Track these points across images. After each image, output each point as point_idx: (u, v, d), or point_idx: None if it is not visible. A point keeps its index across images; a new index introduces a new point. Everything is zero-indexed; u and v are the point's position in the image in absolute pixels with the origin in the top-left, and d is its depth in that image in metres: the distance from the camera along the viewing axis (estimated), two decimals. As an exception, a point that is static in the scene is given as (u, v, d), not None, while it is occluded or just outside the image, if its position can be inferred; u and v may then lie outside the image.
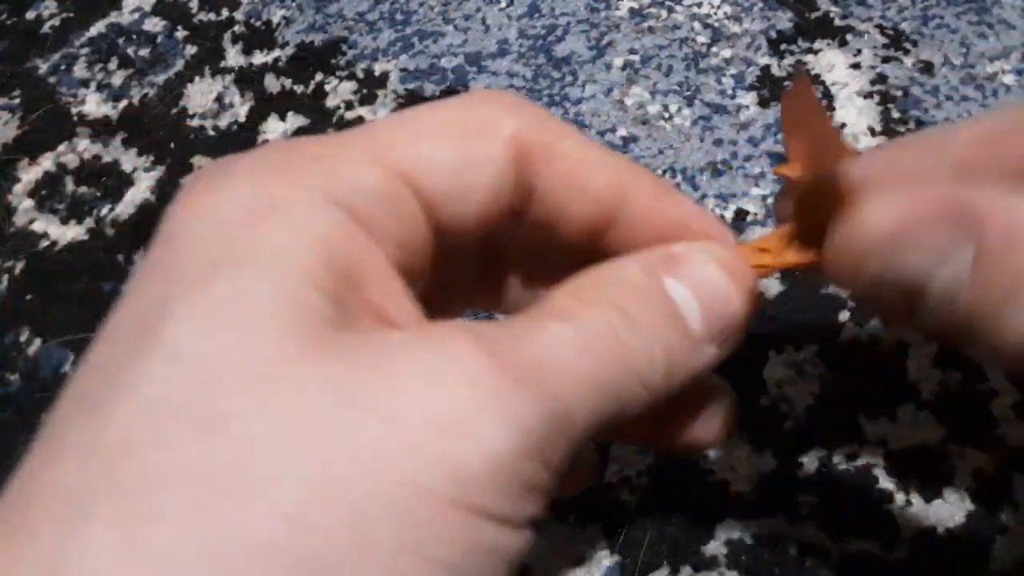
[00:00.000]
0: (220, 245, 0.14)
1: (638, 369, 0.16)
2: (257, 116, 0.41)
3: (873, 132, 0.36)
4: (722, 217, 0.35)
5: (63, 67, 0.44)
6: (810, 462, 0.29)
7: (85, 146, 0.41)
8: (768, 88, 0.38)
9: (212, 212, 0.15)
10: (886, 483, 0.28)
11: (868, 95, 0.37)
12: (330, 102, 0.41)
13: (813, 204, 0.18)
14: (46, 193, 0.40)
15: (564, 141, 0.18)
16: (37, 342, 0.36)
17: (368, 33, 0.43)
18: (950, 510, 0.28)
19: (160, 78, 0.43)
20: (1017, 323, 0.15)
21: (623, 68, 0.40)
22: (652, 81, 0.39)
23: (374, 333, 0.15)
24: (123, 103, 0.42)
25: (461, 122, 0.17)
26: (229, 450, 0.12)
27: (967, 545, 0.27)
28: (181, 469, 0.12)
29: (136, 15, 0.46)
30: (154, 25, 0.45)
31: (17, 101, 0.43)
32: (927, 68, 0.37)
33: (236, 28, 0.44)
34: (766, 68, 0.39)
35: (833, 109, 0.37)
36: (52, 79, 0.44)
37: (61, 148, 0.41)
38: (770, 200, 0.35)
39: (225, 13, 0.45)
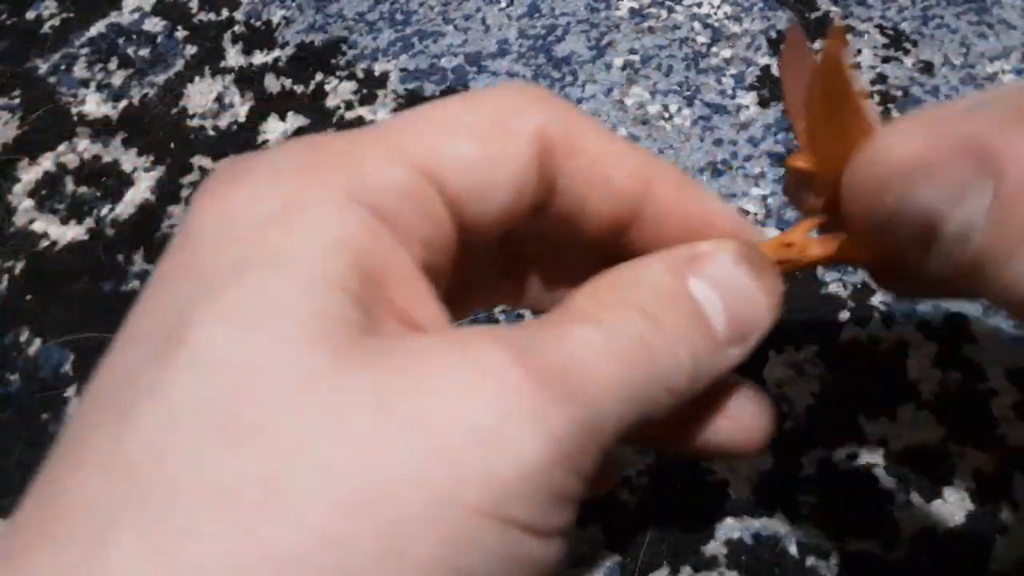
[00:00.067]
0: (244, 246, 0.14)
1: (664, 373, 0.16)
2: (257, 116, 0.41)
3: (873, 132, 0.36)
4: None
5: (63, 67, 0.44)
6: (810, 462, 0.29)
7: (85, 146, 0.41)
8: (768, 88, 0.38)
9: (235, 211, 0.15)
10: (886, 483, 0.28)
11: (868, 95, 0.37)
12: (330, 102, 0.41)
13: (835, 198, 0.17)
14: (46, 193, 0.40)
15: (588, 135, 0.17)
16: (37, 342, 0.36)
17: (368, 33, 0.43)
18: (950, 510, 0.28)
19: (160, 78, 0.43)
20: None
21: (623, 68, 0.40)
22: (652, 81, 0.39)
23: (402, 338, 0.14)
24: (123, 103, 0.42)
25: (485, 116, 0.17)
26: (259, 462, 0.12)
27: (967, 545, 0.27)
28: (210, 481, 0.12)
29: (136, 15, 0.46)
30: (154, 25, 0.45)
31: (17, 101, 0.43)
32: (927, 68, 0.37)
33: (236, 28, 0.44)
34: (766, 68, 0.39)
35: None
36: (52, 79, 0.44)
37: (61, 148, 0.41)
38: (770, 200, 0.35)
39: (225, 13, 0.45)
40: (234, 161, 0.16)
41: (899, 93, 0.37)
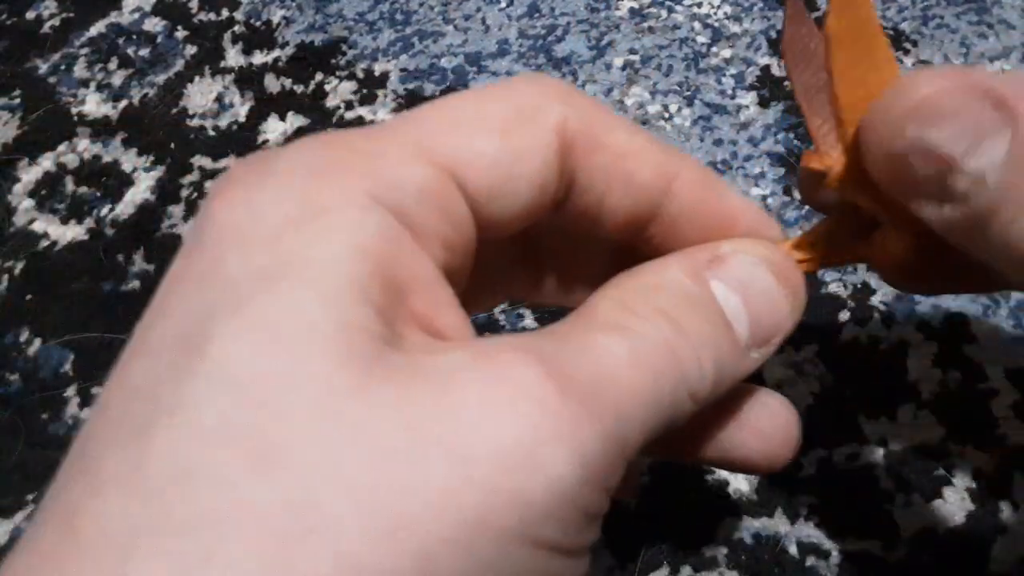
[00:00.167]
0: (264, 254, 0.14)
1: (688, 380, 0.15)
2: (257, 116, 0.41)
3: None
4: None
5: (63, 67, 0.44)
6: (810, 462, 0.29)
7: (85, 146, 0.41)
8: (768, 88, 0.38)
9: (253, 215, 0.14)
10: (886, 483, 0.28)
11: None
12: (330, 102, 0.41)
13: (852, 201, 0.17)
14: (46, 193, 0.40)
15: (610, 130, 0.17)
16: (37, 342, 0.36)
17: (368, 33, 0.43)
18: (950, 510, 0.28)
19: (160, 78, 0.43)
20: None
21: (623, 68, 0.40)
22: (652, 81, 0.39)
23: (427, 352, 0.14)
24: (123, 103, 0.42)
25: (506, 111, 0.16)
26: (286, 486, 0.12)
27: (967, 545, 0.27)
28: (235, 506, 0.12)
29: (136, 15, 0.46)
30: (154, 25, 0.45)
31: (17, 101, 0.43)
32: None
33: (236, 28, 0.44)
34: (766, 68, 0.39)
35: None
36: (52, 79, 0.44)
37: (61, 148, 0.41)
38: (770, 200, 0.35)
39: (225, 13, 0.45)
40: (249, 161, 0.15)
41: (899, 93, 0.37)
